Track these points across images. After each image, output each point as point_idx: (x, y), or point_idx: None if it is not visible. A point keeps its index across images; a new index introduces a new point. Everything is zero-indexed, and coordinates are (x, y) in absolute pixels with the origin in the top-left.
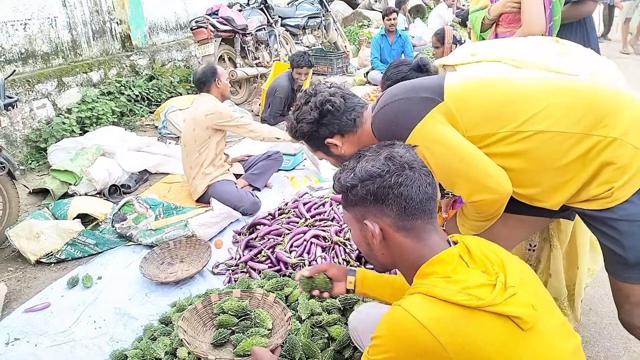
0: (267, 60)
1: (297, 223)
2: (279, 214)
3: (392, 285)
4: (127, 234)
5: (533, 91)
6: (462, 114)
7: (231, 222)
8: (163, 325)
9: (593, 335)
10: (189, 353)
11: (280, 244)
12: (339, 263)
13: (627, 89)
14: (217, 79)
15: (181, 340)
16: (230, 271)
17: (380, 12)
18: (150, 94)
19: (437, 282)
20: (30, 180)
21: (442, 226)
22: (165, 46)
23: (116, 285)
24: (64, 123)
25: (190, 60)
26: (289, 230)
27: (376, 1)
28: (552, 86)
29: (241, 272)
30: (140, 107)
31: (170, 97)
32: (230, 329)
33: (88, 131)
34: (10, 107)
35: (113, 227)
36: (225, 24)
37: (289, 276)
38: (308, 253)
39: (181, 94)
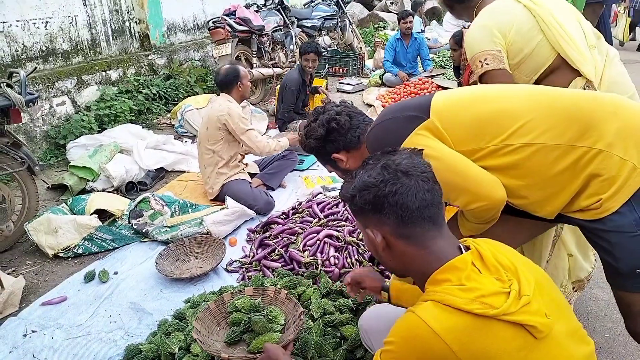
0: (283, 61)
1: (311, 223)
2: (293, 214)
3: None
4: (143, 231)
5: (517, 105)
6: (449, 130)
7: (245, 221)
8: (177, 320)
9: (607, 341)
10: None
11: (294, 243)
12: (352, 263)
13: (622, 98)
14: (239, 83)
15: (195, 340)
16: (244, 269)
17: (397, 14)
18: (168, 93)
19: (451, 290)
20: (49, 176)
21: None
22: (182, 46)
23: (132, 280)
24: (82, 120)
25: (207, 60)
26: (303, 229)
27: (392, 3)
28: (535, 99)
29: (255, 270)
30: (158, 106)
31: (187, 96)
32: (243, 326)
33: (106, 128)
34: (31, 104)
35: (129, 223)
36: (242, 25)
37: (301, 275)
38: (321, 252)
39: (198, 93)
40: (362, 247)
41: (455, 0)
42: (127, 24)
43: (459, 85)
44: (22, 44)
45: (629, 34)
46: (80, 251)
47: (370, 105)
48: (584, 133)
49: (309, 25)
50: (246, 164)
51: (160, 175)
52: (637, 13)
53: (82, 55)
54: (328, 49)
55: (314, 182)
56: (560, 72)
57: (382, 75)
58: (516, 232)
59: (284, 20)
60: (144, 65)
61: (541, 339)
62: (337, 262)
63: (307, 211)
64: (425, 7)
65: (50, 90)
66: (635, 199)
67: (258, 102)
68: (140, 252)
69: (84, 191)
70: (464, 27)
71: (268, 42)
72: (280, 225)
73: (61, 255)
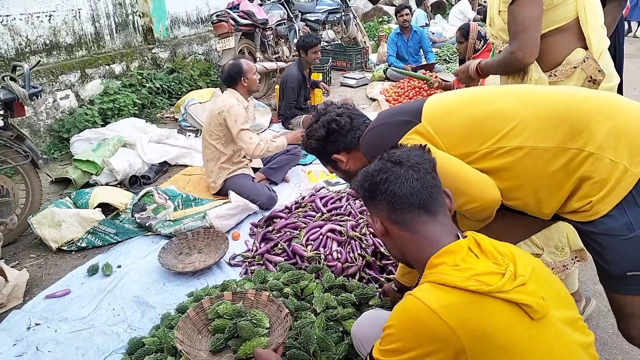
0: (286, 55)
1: (314, 217)
2: (296, 208)
3: None
4: (147, 224)
5: (508, 107)
6: (441, 134)
7: (248, 215)
8: (180, 314)
9: (611, 337)
10: None
11: (297, 237)
12: (355, 258)
13: (619, 97)
14: (243, 78)
15: (180, 351)
16: (247, 263)
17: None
18: (171, 87)
19: (446, 270)
20: (52, 170)
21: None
22: (186, 39)
23: (135, 274)
24: (86, 114)
25: (211, 54)
26: (306, 224)
27: None
28: (526, 100)
29: (257, 264)
30: (161, 100)
31: (190, 90)
32: (227, 333)
33: (110, 122)
34: (34, 97)
35: (133, 217)
36: (246, 18)
37: (304, 269)
38: (324, 247)
39: (201, 87)
40: (364, 242)
41: None
42: (130, 17)
43: None
44: (26, 38)
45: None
46: (83, 245)
47: (373, 100)
48: (574, 134)
49: (312, 19)
50: (250, 159)
51: (164, 169)
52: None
53: (86, 48)
54: (332, 42)
55: (317, 176)
56: (567, 35)
57: (386, 69)
58: (515, 229)
59: (288, 13)
60: (148, 59)
61: (538, 320)
62: (339, 256)
63: (310, 205)
64: (429, 0)
65: (53, 84)
66: (627, 202)
67: (261, 96)
68: (143, 245)
69: (87, 185)
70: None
71: (272, 36)
72: (283, 220)
73: (65, 248)
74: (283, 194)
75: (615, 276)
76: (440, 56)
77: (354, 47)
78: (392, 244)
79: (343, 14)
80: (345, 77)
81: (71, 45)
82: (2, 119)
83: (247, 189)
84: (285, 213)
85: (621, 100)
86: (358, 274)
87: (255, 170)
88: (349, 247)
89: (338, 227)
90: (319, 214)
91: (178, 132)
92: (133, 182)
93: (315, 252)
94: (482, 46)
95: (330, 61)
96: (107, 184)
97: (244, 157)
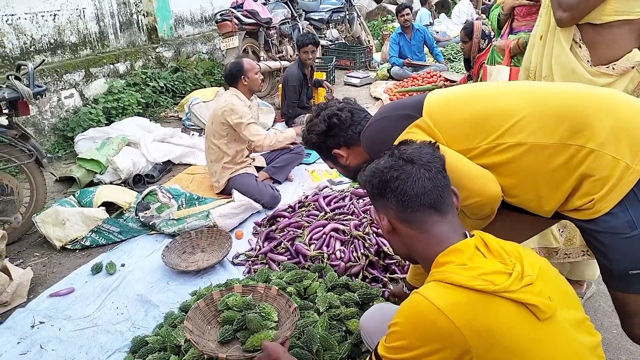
0: (290, 54)
1: (317, 216)
2: (299, 207)
3: None
4: (150, 223)
5: (509, 103)
6: (442, 129)
7: (252, 214)
8: (184, 313)
9: (615, 337)
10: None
11: (300, 236)
12: (358, 257)
13: (620, 94)
14: (243, 77)
15: (188, 340)
16: (250, 262)
17: None
18: (175, 86)
19: (453, 269)
20: (57, 169)
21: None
22: (190, 39)
23: (138, 272)
24: (90, 113)
25: (215, 53)
26: (309, 223)
27: None
28: (528, 97)
29: (261, 263)
30: (165, 99)
31: (194, 89)
32: (236, 325)
33: (114, 121)
34: (39, 96)
35: (136, 215)
36: (250, 17)
37: (307, 268)
38: (327, 246)
39: (205, 86)
40: (367, 242)
41: None
42: (134, 16)
43: (469, 77)
44: (31, 37)
45: None
46: (87, 243)
47: (377, 99)
48: (576, 131)
49: (316, 17)
50: (253, 159)
51: (168, 168)
52: None
53: (90, 48)
54: (335, 41)
55: (320, 175)
56: (633, 31)
57: (390, 68)
58: (518, 229)
59: (292, 12)
60: (152, 58)
61: (544, 321)
62: (343, 255)
63: (314, 205)
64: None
65: (58, 83)
66: (629, 200)
67: (265, 95)
68: (147, 244)
69: (91, 184)
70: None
71: (275, 35)
72: (287, 219)
73: (69, 247)
74: (286, 193)
75: (618, 275)
76: (444, 55)
77: (357, 46)
78: (399, 241)
79: (347, 13)
80: (349, 76)
81: (75, 44)
82: (6, 118)
83: (251, 188)
84: (288, 212)
85: (622, 98)
86: (361, 274)
87: (258, 169)
88: (352, 246)
89: (341, 227)
90: (322, 213)
91: (182, 131)
92: (137, 181)
93: (318, 251)
94: (487, 45)
95: (334, 60)
96: (111, 183)
97: (247, 156)
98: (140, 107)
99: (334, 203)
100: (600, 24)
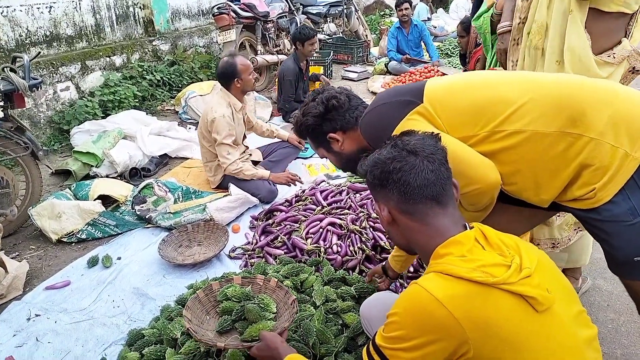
0: (287, 48)
1: (314, 210)
2: (296, 201)
3: None
4: (147, 216)
5: (510, 91)
6: (442, 116)
7: (249, 208)
8: (180, 306)
9: (610, 331)
10: None
11: (297, 230)
12: (354, 252)
13: (616, 85)
14: (237, 79)
15: (187, 329)
16: (247, 256)
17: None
18: (172, 79)
19: (453, 261)
20: (53, 161)
21: None
22: (187, 32)
23: (135, 266)
24: (86, 106)
25: (212, 47)
26: (306, 217)
27: None
28: (528, 85)
29: (257, 256)
30: (162, 92)
31: (191, 83)
32: (235, 315)
33: (110, 114)
34: (34, 89)
35: (133, 209)
36: (247, 11)
37: (304, 262)
38: (324, 240)
39: (202, 80)
40: (364, 236)
41: None
42: (131, 9)
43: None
44: (26, 29)
45: None
46: (83, 236)
47: (374, 93)
48: (575, 120)
49: (314, 12)
50: (250, 154)
51: (164, 161)
52: None
53: (86, 40)
54: (333, 36)
55: (317, 170)
56: (624, 23)
57: (388, 63)
58: (515, 221)
59: (289, 6)
60: (148, 51)
61: (542, 313)
62: (339, 249)
63: (310, 199)
64: None
65: (54, 75)
66: (629, 187)
67: (262, 89)
68: (143, 238)
69: (87, 177)
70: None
71: (273, 29)
72: (284, 213)
73: (65, 240)
74: (283, 187)
75: (623, 262)
76: (442, 50)
77: (355, 41)
78: (399, 233)
79: (345, 7)
80: (346, 70)
81: (71, 36)
82: (2, 110)
83: (247, 182)
84: (285, 206)
85: (620, 89)
86: (358, 268)
87: (255, 163)
88: (349, 240)
89: (338, 221)
90: (319, 208)
91: (178, 124)
92: (133, 175)
93: (315, 245)
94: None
95: (331, 54)
96: (107, 176)
97: (243, 152)
98: (137, 100)
99: (331, 197)
100: (604, 12)
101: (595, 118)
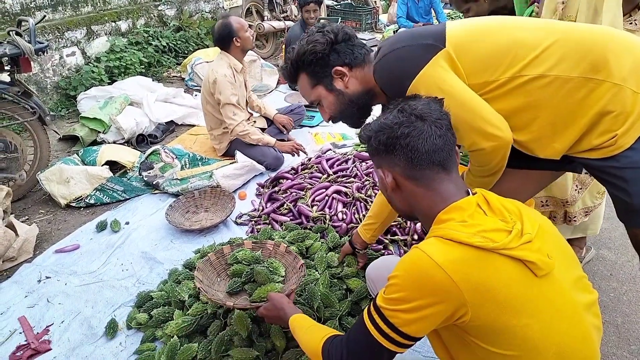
0: (295, 14)
1: (320, 178)
2: (302, 169)
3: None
4: (154, 183)
5: (533, 35)
6: (463, 61)
7: (255, 175)
8: (187, 270)
9: (612, 300)
10: None
11: (303, 197)
12: (359, 219)
13: (631, 34)
14: (235, 38)
15: (198, 289)
16: (253, 222)
17: None
18: (178, 45)
19: (453, 226)
20: (60, 127)
21: None
22: None
23: (143, 230)
24: (92, 72)
25: (218, 12)
26: (312, 185)
27: None
28: (551, 29)
29: (263, 223)
30: (168, 58)
31: (197, 49)
32: (245, 277)
33: (116, 80)
34: (40, 53)
35: (140, 175)
36: None
37: (309, 229)
38: (329, 208)
39: (208, 46)
40: (369, 204)
41: None
42: None
43: None
44: None
45: None
46: (92, 201)
47: None
48: (597, 66)
49: None
50: (255, 121)
51: (171, 128)
52: None
53: (92, 4)
54: (341, 2)
55: (323, 138)
56: None
57: (396, 30)
58: (524, 185)
59: None
60: (154, 16)
61: (542, 277)
62: (344, 217)
63: (316, 167)
64: None
65: (59, 40)
66: None
67: (269, 56)
68: (151, 203)
69: (94, 142)
70: None
71: None
72: (290, 181)
73: (73, 204)
74: (289, 155)
75: (638, 209)
76: (452, 17)
77: (364, 7)
78: (402, 199)
79: None
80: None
81: (77, 0)
82: (8, 75)
83: (254, 149)
84: (291, 174)
85: (637, 37)
86: None
87: (261, 130)
88: (354, 208)
89: (344, 189)
90: (325, 176)
91: (185, 91)
92: (140, 141)
93: (320, 212)
94: None
95: (339, 21)
96: (114, 142)
97: (248, 119)
98: (143, 66)
99: (337, 165)
100: None
101: (618, 64)
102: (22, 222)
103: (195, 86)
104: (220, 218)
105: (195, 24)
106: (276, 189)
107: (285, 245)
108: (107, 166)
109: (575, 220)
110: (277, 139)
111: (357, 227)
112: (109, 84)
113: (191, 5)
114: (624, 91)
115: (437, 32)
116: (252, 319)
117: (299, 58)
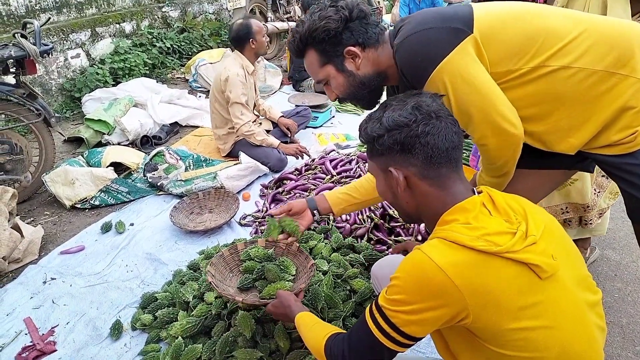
0: (298, 15)
1: (323, 179)
2: (306, 170)
3: (360, 186)
4: (158, 184)
5: (560, 24)
6: (489, 49)
7: (259, 176)
8: (192, 271)
9: (617, 300)
10: (216, 297)
11: None
12: (363, 220)
13: None
14: (251, 40)
15: (210, 283)
16: (257, 223)
17: None
18: (182, 47)
19: (457, 228)
20: (65, 129)
21: None
22: None
23: (147, 232)
24: (97, 73)
25: (222, 13)
26: (315, 185)
27: None
28: (578, 19)
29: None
30: (172, 60)
31: (201, 50)
32: (256, 274)
33: (121, 82)
34: (45, 55)
35: (145, 176)
36: None
37: (313, 230)
38: None
39: (212, 48)
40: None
41: None
42: None
43: None
44: None
45: None
46: (97, 203)
47: None
48: (623, 61)
49: None
50: (260, 123)
51: (175, 129)
52: None
53: (96, 6)
54: None
55: (327, 139)
56: None
57: None
58: (537, 186)
59: None
60: (158, 17)
61: (546, 279)
62: (348, 218)
63: (320, 168)
64: None
65: (64, 42)
66: None
67: (272, 57)
68: (155, 204)
69: (99, 144)
70: None
71: None
72: (293, 182)
73: (78, 206)
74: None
75: None
76: None
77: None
78: (411, 199)
79: None
80: None
81: (81, 2)
82: (14, 77)
83: (257, 151)
84: (295, 175)
85: None
86: (366, 236)
87: (267, 132)
88: None
89: None
90: (329, 176)
91: (189, 92)
92: (144, 142)
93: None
94: None
95: None
96: (119, 144)
97: (254, 121)
98: (147, 68)
99: (341, 166)
100: None
101: None
102: (27, 223)
103: (199, 87)
104: (224, 219)
105: (199, 25)
106: (280, 189)
107: (298, 245)
108: (112, 167)
109: (591, 224)
110: (281, 142)
111: (360, 227)
112: (114, 85)
113: (195, 7)
114: None
115: (464, 16)
116: (256, 319)
117: (310, 34)
